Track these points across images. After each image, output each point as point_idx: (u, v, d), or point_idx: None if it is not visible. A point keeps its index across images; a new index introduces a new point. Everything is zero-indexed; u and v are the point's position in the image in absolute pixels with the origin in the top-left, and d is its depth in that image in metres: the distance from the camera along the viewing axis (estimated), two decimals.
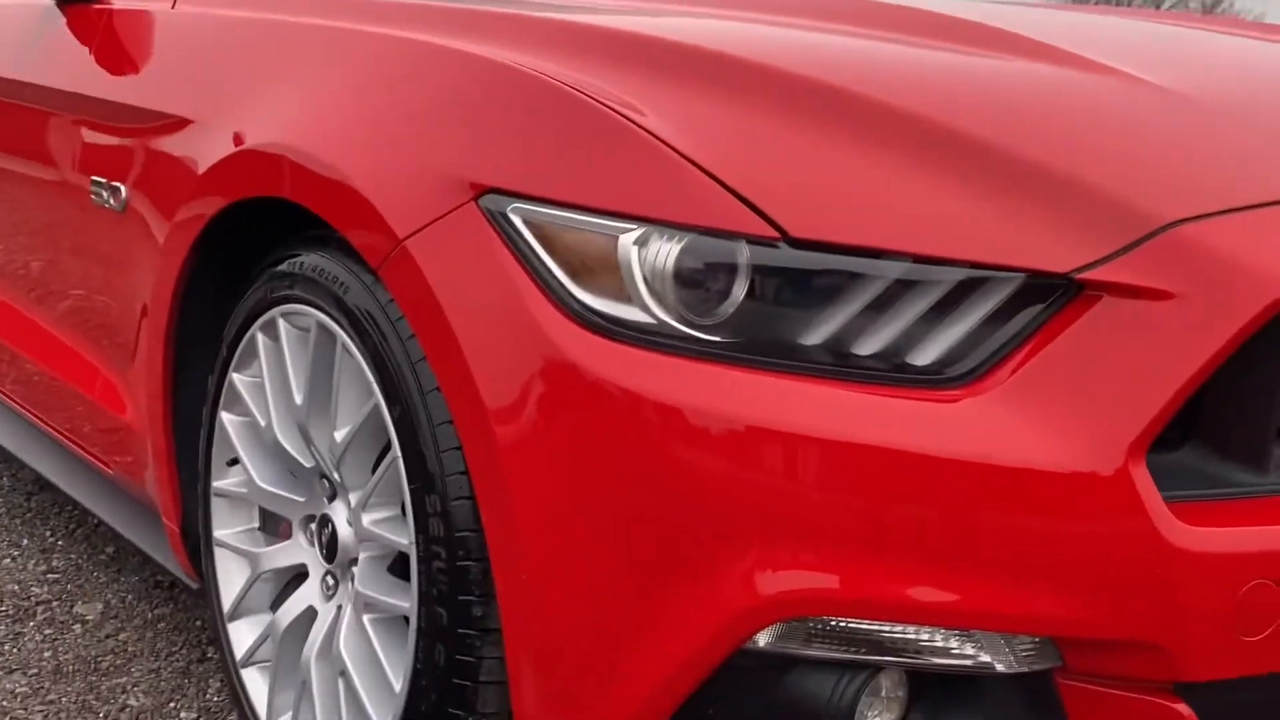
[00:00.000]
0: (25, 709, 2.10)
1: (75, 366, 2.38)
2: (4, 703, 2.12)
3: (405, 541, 1.57)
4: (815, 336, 1.34)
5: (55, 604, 2.45)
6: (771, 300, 1.35)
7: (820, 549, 1.32)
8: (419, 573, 1.53)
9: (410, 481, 1.53)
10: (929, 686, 1.39)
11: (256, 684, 1.87)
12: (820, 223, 1.33)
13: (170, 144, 1.96)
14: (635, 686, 1.36)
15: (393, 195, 1.53)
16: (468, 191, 1.47)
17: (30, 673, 2.21)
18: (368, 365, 1.59)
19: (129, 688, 2.17)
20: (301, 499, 1.80)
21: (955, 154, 1.38)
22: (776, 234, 1.32)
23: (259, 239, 1.86)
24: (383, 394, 1.56)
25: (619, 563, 1.38)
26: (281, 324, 1.76)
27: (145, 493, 2.19)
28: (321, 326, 1.68)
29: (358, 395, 1.64)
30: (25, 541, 2.74)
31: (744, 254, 1.34)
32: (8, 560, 2.64)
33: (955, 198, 1.34)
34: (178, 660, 2.26)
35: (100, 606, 2.44)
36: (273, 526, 1.90)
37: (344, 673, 1.67)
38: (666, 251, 1.35)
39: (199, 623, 2.39)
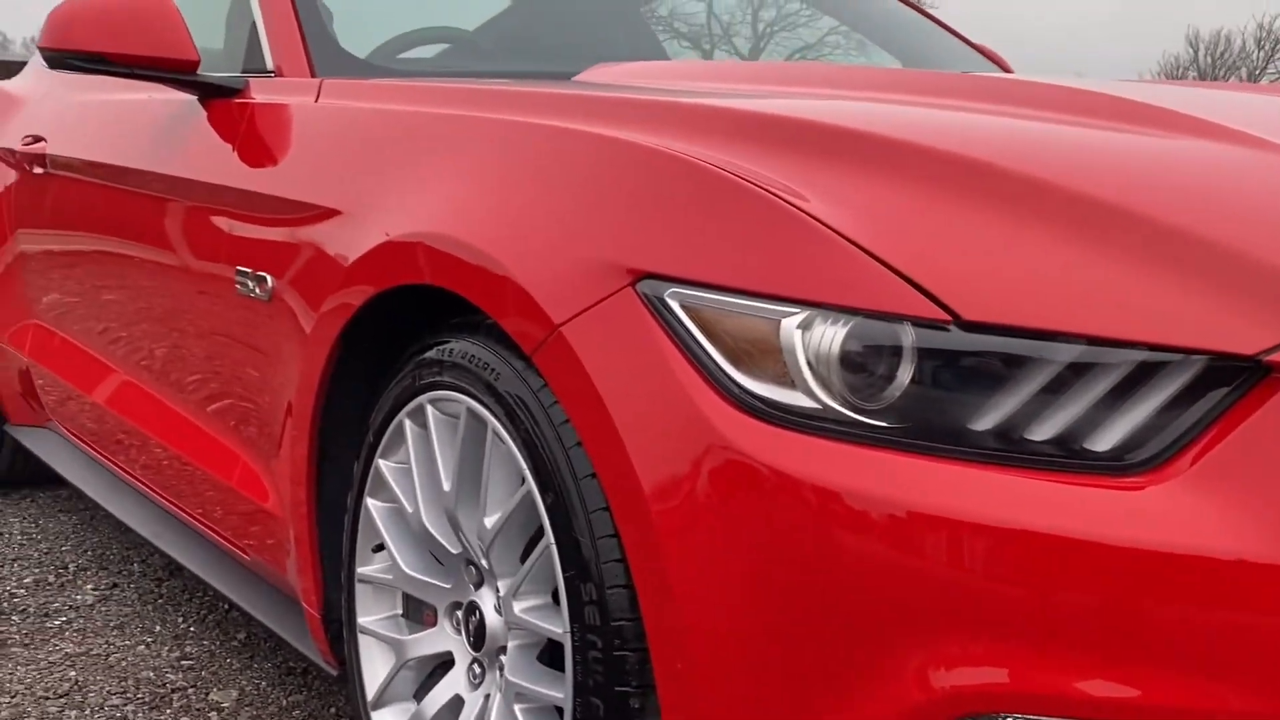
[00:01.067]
0: None
1: (214, 453, 2.41)
2: None
3: (558, 630, 1.55)
4: (986, 421, 1.31)
5: (191, 691, 2.46)
6: (940, 384, 1.32)
7: (995, 642, 1.28)
8: (574, 662, 1.51)
9: (564, 569, 1.52)
10: None
11: None
12: (992, 305, 1.30)
13: (318, 234, 1.99)
14: None
15: (547, 281, 1.54)
16: (624, 277, 1.47)
17: None
18: (520, 452, 1.58)
19: None
20: (447, 585, 1.79)
21: (1128, 233, 1.35)
22: (947, 316, 1.30)
23: (402, 326, 1.88)
24: (535, 481, 1.55)
25: (782, 654, 1.35)
26: (430, 411, 1.76)
27: (284, 579, 2.20)
28: (471, 413, 1.68)
29: (508, 482, 1.64)
30: (158, 628, 2.77)
31: (910, 337, 1.32)
32: (142, 647, 2.67)
33: (1130, 278, 1.31)
34: None
35: (235, 694, 2.45)
36: (416, 613, 1.89)
37: None
38: (831, 335, 1.34)
39: (333, 710, 2.38)
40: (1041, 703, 1.28)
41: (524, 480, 1.59)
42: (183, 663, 2.59)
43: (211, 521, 2.50)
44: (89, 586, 3.02)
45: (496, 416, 1.63)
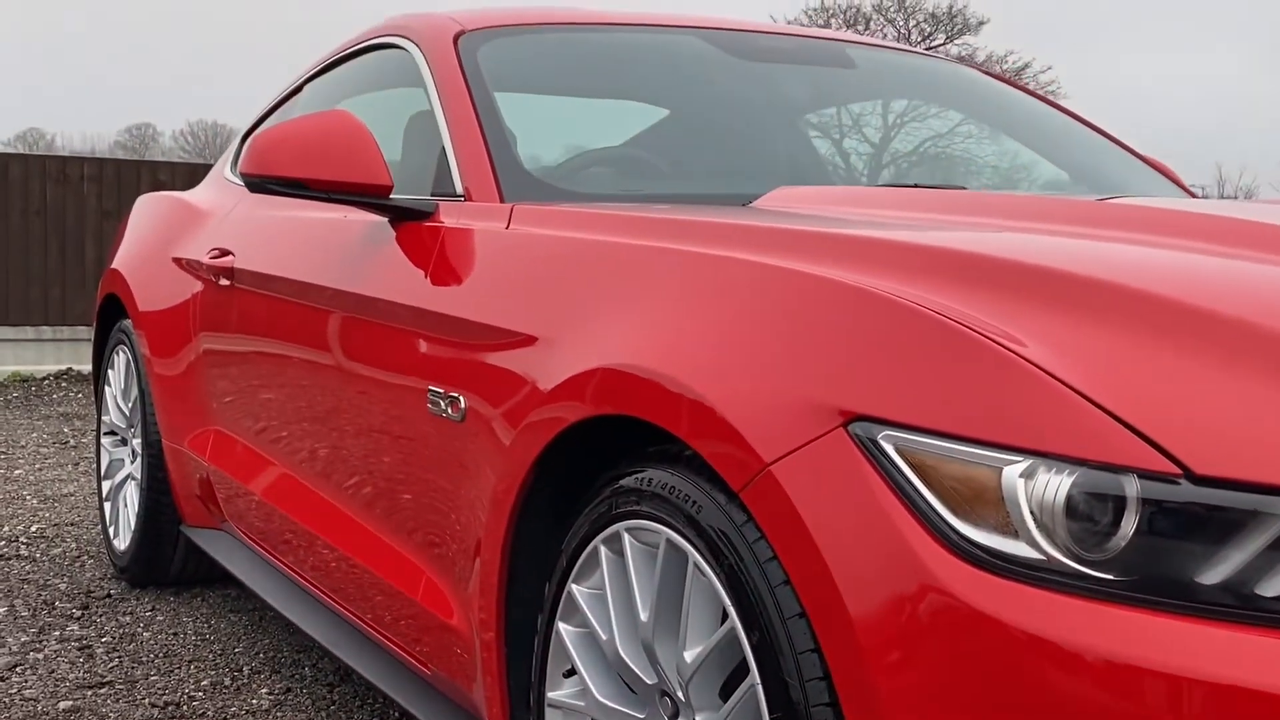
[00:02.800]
0: None
1: (396, 566, 2.45)
2: None
3: None
4: (1214, 575, 1.28)
5: None
6: (1168, 537, 1.30)
7: None
8: None
9: (771, 710, 1.51)
10: None
11: None
12: (1223, 458, 1.28)
13: (514, 359, 2.03)
14: None
15: (756, 419, 1.55)
16: (836, 418, 1.47)
17: None
18: (722, 586, 1.59)
19: None
20: (641, 715, 1.80)
21: None
22: (1177, 469, 1.28)
23: (590, 452, 1.91)
24: (740, 617, 1.56)
25: None
26: (627, 539, 1.78)
27: (467, 696, 2.22)
28: (671, 544, 1.69)
29: (709, 615, 1.65)
30: None
31: (1135, 488, 1.30)
32: None
33: None
34: None
35: None
36: None
37: None
38: (1056, 485, 1.33)
39: None
40: None
41: (725, 614, 1.60)
42: None
43: (384, 629, 2.54)
44: (264, 690, 3.08)
45: (697, 549, 1.64)
